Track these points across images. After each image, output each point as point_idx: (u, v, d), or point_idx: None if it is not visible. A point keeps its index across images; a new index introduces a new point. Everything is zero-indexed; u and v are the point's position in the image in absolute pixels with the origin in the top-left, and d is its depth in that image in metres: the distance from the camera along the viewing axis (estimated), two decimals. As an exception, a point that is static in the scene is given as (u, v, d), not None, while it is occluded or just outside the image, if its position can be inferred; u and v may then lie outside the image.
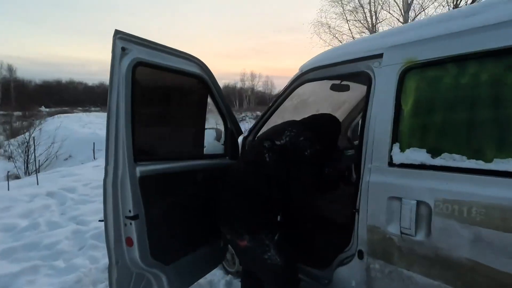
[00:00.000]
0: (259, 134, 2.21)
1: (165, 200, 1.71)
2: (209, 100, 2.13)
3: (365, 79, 1.70)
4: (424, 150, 1.38)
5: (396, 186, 1.44)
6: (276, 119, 2.41)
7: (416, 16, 12.74)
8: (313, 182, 1.73)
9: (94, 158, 12.42)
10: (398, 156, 1.45)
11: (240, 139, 2.42)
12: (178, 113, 1.93)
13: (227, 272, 2.73)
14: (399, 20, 12.89)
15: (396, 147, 1.47)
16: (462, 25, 1.30)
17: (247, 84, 50.89)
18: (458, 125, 1.31)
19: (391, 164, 1.48)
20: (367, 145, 1.59)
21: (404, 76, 1.48)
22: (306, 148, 1.69)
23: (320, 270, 1.93)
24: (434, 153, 1.35)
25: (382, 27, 13.47)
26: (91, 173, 6.93)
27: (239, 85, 50.52)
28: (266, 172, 1.70)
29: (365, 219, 1.57)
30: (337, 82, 2.48)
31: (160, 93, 1.78)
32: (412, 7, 12.61)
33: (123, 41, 1.46)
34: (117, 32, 1.44)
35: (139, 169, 1.54)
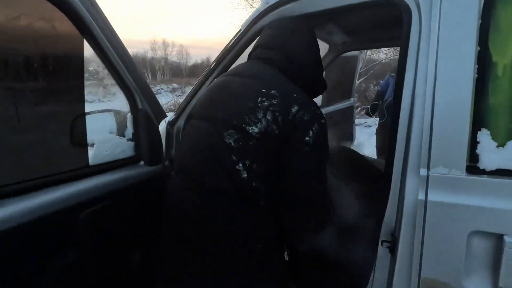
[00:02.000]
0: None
1: None
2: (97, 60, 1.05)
3: (394, 14, 0.96)
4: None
5: (489, 212, 0.77)
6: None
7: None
8: (323, 191, 0.86)
9: None
10: (491, 156, 0.77)
11: (162, 126, 1.44)
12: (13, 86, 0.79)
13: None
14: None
15: (484, 137, 0.78)
16: None
17: (160, 53, 45.89)
18: None
19: (473, 169, 0.79)
20: (414, 134, 0.88)
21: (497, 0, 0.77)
22: (307, 129, 0.81)
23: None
24: None
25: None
26: None
27: (149, 54, 45.06)
28: (241, 197, 0.82)
29: (414, 265, 0.89)
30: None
31: None
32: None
33: None
34: None
35: None
